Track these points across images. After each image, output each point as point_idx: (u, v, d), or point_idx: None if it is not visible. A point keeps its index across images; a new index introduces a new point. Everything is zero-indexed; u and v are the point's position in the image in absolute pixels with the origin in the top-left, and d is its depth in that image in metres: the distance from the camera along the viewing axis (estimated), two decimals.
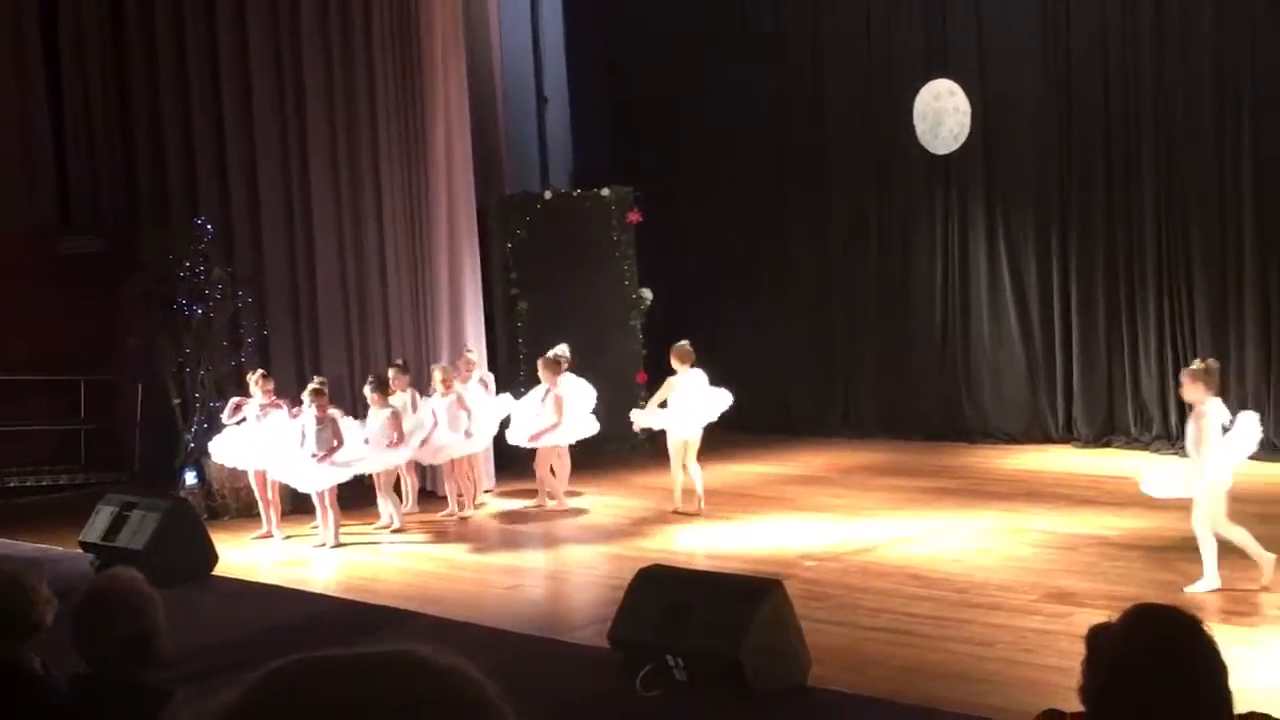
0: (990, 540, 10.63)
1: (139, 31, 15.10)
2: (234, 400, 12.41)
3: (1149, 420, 14.01)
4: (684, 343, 12.32)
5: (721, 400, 12.24)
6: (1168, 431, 13.90)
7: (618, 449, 14.42)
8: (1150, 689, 2.76)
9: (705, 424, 12.22)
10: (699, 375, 12.19)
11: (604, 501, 13.13)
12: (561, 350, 12.98)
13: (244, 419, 12.18)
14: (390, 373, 12.68)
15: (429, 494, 13.44)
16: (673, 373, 12.26)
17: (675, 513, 12.24)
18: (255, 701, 1.39)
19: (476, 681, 1.43)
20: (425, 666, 1.41)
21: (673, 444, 12.19)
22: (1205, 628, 2.86)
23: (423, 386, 13.12)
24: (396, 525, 12.26)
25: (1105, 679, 2.83)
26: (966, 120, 14.92)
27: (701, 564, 10.09)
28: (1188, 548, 9.55)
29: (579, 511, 12.83)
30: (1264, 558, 8.89)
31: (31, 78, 15.50)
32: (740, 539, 11.33)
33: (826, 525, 11.37)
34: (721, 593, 7.57)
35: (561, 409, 12.63)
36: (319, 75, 14.02)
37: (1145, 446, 13.76)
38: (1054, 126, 14.48)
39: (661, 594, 7.55)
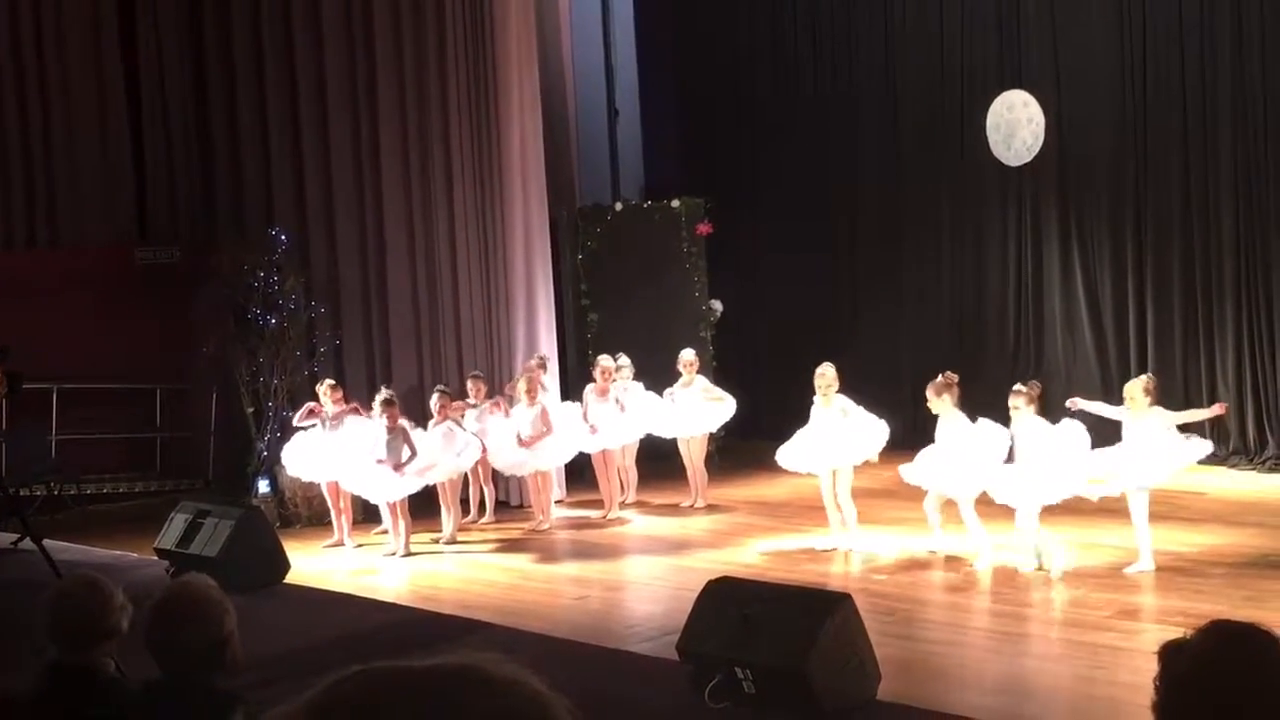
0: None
1: (216, 45, 15.29)
2: (308, 405, 12.52)
3: (1225, 435, 13.79)
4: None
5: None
6: (1245, 446, 13.71)
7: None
8: (1225, 706, 2.72)
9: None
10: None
11: (672, 512, 13.16)
12: (619, 359, 13.38)
13: (315, 424, 12.30)
14: (468, 383, 12.86)
15: (501, 504, 13.52)
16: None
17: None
18: (316, 714, 1.38)
19: (541, 696, 1.41)
20: (489, 681, 1.39)
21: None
22: None
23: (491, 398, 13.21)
24: (447, 536, 12.26)
25: (1179, 696, 2.79)
26: (1040, 131, 14.81)
27: (770, 576, 10.05)
28: (1264, 564, 9.42)
29: (647, 522, 12.87)
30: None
31: (111, 92, 15.73)
32: (810, 551, 11.29)
33: (896, 538, 11.31)
34: (790, 605, 7.54)
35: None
36: (393, 88, 14.13)
37: (1222, 461, 13.49)
38: (1129, 137, 14.34)
39: (730, 606, 7.53)
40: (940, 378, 10.63)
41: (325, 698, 1.38)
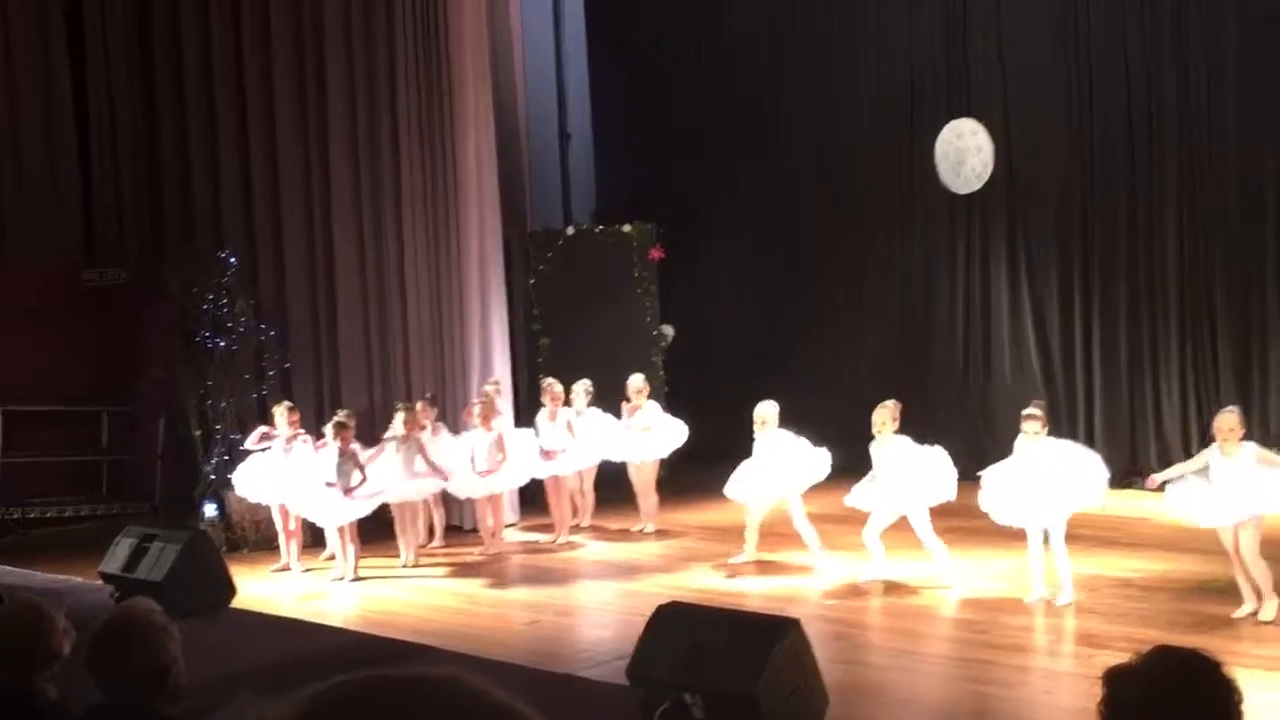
0: (1011, 580, 10.55)
1: (165, 66, 15.23)
2: (261, 429, 12.43)
3: (1172, 460, 13.88)
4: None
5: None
6: None
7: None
8: None
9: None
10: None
11: (624, 536, 13.14)
12: (578, 385, 13.30)
13: (268, 448, 12.21)
14: (418, 406, 12.78)
15: (453, 528, 13.46)
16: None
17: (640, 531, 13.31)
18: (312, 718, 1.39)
19: (525, 715, 1.41)
20: (475, 693, 1.40)
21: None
22: (1225, 669, 2.84)
23: (445, 422, 13.16)
24: (407, 560, 12.26)
25: None
26: (989, 159, 14.90)
27: (720, 601, 10.06)
28: (1208, 589, 9.49)
29: (598, 547, 12.85)
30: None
31: (58, 111, 15.63)
32: (759, 576, 11.30)
33: (846, 563, 11.33)
34: (739, 630, 7.53)
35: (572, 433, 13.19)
36: (344, 110, 14.09)
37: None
38: (1077, 165, 14.47)
39: (680, 631, 7.52)
40: (892, 403, 10.67)
41: (308, 706, 1.39)
